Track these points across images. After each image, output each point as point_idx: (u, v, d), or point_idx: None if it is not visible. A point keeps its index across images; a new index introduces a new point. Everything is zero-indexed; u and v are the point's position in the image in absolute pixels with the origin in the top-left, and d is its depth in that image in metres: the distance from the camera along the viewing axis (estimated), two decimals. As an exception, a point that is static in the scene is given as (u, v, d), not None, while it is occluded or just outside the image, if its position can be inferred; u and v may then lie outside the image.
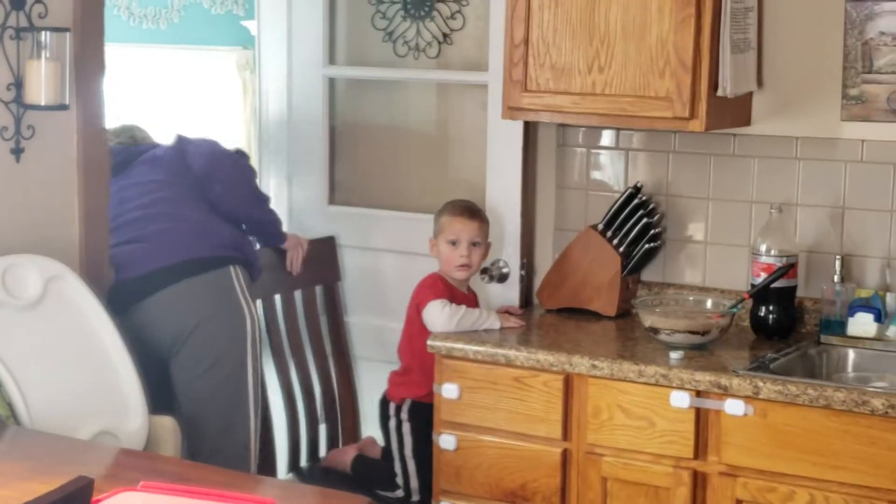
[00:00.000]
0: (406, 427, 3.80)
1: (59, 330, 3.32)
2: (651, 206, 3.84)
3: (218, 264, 3.77)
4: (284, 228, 4.21)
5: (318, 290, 4.32)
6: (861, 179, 3.62)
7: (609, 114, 3.60)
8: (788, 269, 3.54)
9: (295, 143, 4.50)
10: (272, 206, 4.13)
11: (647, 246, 3.79)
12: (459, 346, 3.57)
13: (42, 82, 3.37)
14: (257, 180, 4.16)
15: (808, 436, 3.13)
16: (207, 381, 3.71)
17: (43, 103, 3.39)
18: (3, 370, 3.14)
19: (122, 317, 3.56)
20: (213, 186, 3.89)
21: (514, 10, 3.68)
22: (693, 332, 3.43)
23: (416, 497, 3.79)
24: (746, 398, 3.19)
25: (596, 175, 4.00)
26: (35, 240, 3.46)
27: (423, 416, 3.74)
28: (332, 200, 4.48)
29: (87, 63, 3.57)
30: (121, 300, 3.66)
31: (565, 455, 3.45)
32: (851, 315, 3.52)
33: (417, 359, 3.75)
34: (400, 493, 3.81)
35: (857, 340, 3.50)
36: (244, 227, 4.08)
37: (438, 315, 3.66)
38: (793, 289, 3.59)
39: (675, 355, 3.34)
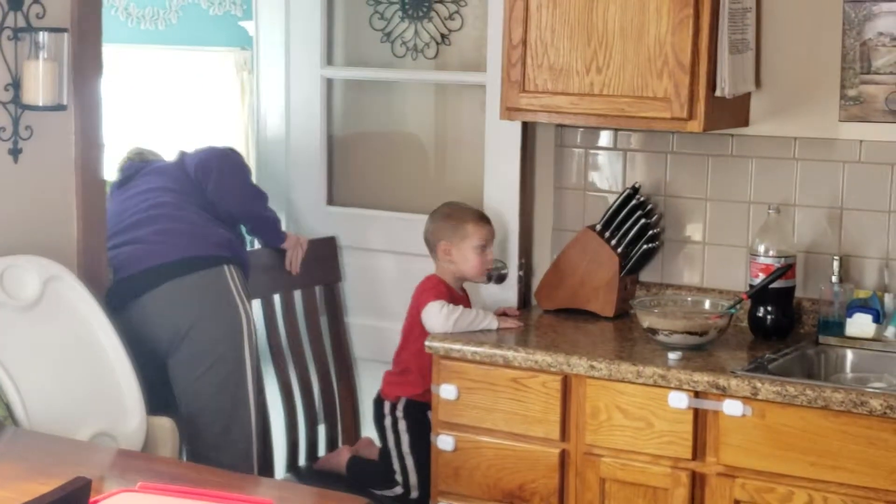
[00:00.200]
0: (402, 424, 3.81)
1: (57, 331, 3.32)
2: (649, 207, 3.84)
3: (213, 263, 3.79)
4: (283, 228, 4.22)
5: (318, 290, 4.32)
6: (859, 180, 3.62)
7: (607, 114, 3.60)
8: (787, 269, 3.54)
9: (293, 143, 4.50)
10: (270, 206, 4.13)
11: (645, 246, 3.79)
12: (457, 346, 3.57)
13: (40, 83, 3.37)
14: (253, 178, 4.16)
15: (806, 436, 3.13)
16: (208, 380, 3.72)
17: (41, 104, 3.39)
18: (0, 371, 3.14)
19: (120, 315, 3.57)
20: (209, 183, 3.92)
21: (512, 10, 3.68)
22: (691, 332, 3.42)
23: (414, 493, 3.80)
24: (745, 399, 3.19)
25: (594, 176, 4.00)
26: (33, 240, 3.46)
27: (419, 414, 3.75)
28: (331, 201, 4.49)
29: (84, 64, 3.57)
30: (118, 299, 3.67)
31: (563, 456, 3.45)
32: (850, 316, 3.51)
33: (418, 360, 3.75)
34: (399, 490, 3.81)
35: (855, 341, 3.50)
36: (244, 226, 4.09)
37: (436, 315, 3.67)
38: (791, 289, 3.59)
39: (673, 356, 3.34)
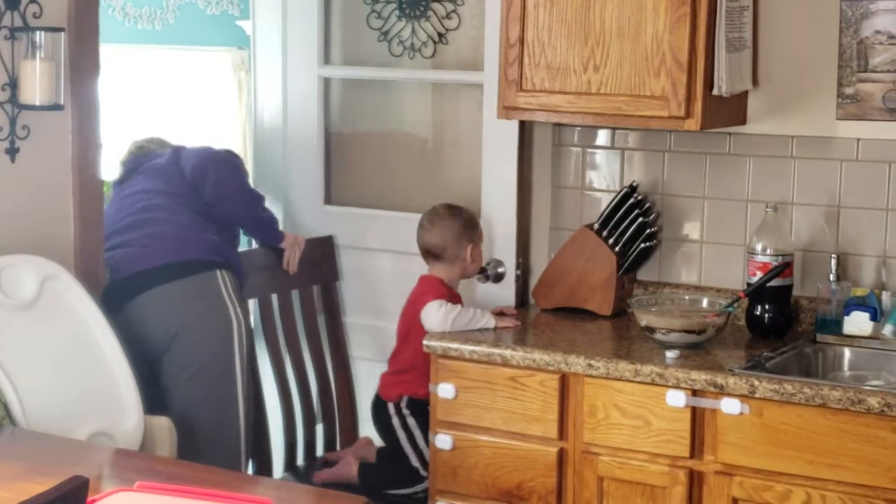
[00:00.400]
0: (411, 420, 3.81)
1: (55, 330, 3.32)
2: (647, 206, 3.83)
3: (204, 267, 3.79)
4: (280, 228, 4.21)
5: (316, 289, 4.32)
6: (856, 178, 3.62)
7: (604, 113, 3.60)
8: (784, 267, 3.54)
9: (290, 142, 4.50)
10: (267, 205, 4.13)
11: (642, 245, 3.79)
12: (455, 345, 3.56)
13: (37, 82, 3.37)
14: (250, 180, 4.17)
15: (804, 434, 3.13)
16: (197, 384, 3.73)
17: (38, 103, 3.39)
18: (-2, 371, 3.14)
19: (116, 315, 3.57)
20: (206, 186, 3.92)
21: (509, 9, 3.68)
22: (689, 331, 3.42)
23: None
24: (742, 397, 3.19)
25: (591, 174, 4.00)
26: (30, 240, 3.46)
27: (423, 410, 3.74)
28: (328, 200, 4.49)
29: (81, 63, 3.57)
30: (113, 299, 3.67)
31: (561, 454, 3.45)
32: (847, 314, 3.52)
33: (418, 359, 3.74)
34: (425, 484, 3.77)
35: (852, 339, 3.50)
36: (241, 228, 4.09)
37: (435, 314, 3.67)
38: (788, 288, 3.59)
39: (670, 354, 3.34)
